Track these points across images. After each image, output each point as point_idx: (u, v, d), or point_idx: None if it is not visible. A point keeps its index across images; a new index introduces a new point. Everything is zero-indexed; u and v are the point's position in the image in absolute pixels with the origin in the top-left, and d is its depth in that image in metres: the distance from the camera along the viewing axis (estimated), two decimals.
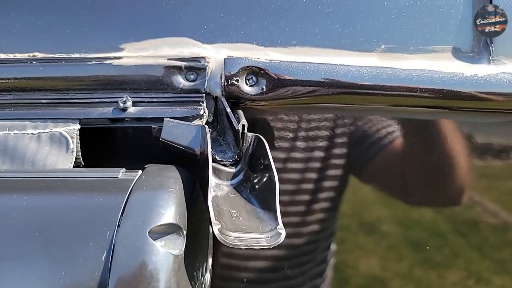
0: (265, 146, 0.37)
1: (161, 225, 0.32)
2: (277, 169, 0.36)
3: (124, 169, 0.37)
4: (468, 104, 0.41)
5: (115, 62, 0.41)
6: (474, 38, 0.42)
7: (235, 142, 0.40)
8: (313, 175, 0.44)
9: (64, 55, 0.42)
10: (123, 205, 0.32)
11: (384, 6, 0.42)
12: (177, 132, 0.39)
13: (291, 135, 0.43)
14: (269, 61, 0.40)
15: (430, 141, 0.44)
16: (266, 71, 0.40)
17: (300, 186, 0.44)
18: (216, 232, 0.31)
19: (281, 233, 0.34)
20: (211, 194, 0.33)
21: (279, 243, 0.33)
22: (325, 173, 0.44)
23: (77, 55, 0.42)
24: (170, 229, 0.32)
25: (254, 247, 0.32)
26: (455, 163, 0.44)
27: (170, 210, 0.33)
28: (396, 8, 0.42)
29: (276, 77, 0.40)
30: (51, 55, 0.42)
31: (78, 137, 0.40)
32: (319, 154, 0.43)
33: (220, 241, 0.32)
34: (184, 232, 0.33)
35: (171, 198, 0.34)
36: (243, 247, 0.33)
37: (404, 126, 0.43)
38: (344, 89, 0.40)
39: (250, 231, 0.34)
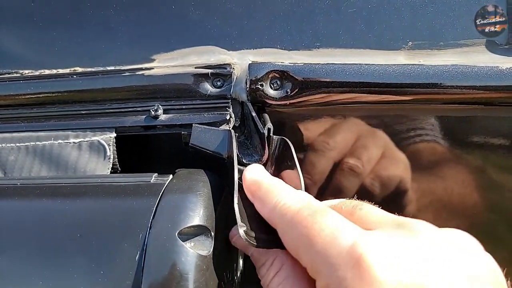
0: (290, 148, 0.38)
1: (189, 226, 0.33)
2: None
3: (156, 174, 0.39)
4: (505, 98, 0.39)
5: (147, 72, 0.43)
6: (509, 29, 0.40)
7: (261, 145, 0.41)
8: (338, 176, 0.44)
9: (101, 68, 0.45)
10: (154, 208, 0.34)
11: (410, 1, 0.41)
12: (205, 137, 0.40)
13: (317, 136, 0.43)
14: (292, 64, 0.41)
15: (464, 139, 0.42)
16: (290, 74, 0.40)
17: (325, 189, 0.44)
18: (242, 234, 0.32)
19: None
20: (236, 196, 0.34)
21: None
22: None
23: (112, 68, 0.45)
24: (199, 230, 0.34)
25: (281, 249, 0.33)
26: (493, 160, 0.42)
27: (198, 212, 0.34)
28: (423, 3, 0.41)
29: (300, 79, 0.40)
30: (89, 69, 0.45)
31: (115, 144, 0.43)
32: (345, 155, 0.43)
33: (246, 242, 0.33)
34: (212, 233, 0.34)
35: (199, 201, 0.35)
36: (269, 248, 0.33)
37: (435, 124, 0.42)
38: (371, 88, 0.40)
39: (275, 232, 0.35)
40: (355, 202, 0.31)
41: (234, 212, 0.34)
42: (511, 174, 0.44)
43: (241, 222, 0.33)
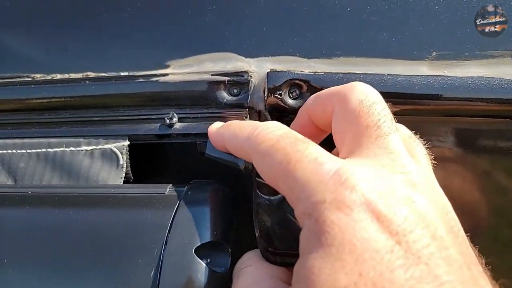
0: None
1: (206, 243, 0.32)
2: None
3: (170, 184, 0.38)
4: None
5: (161, 79, 0.42)
6: None
7: None
8: None
9: (114, 74, 0.44)
10: (170, 222, 0.33)
11: (435, 10, 0.40)
12: None
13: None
14: (312, 73, 0.39)
15: (487, 152, 0.41)
16: (310, 83, 0.39)
17: None
18: (262, 251, 0.31)
19: None
20: (256, 212, 0.33)
21: None
22: None
23: (126, 73, 0.43)
24: (216, 246, 0.33)
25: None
26: None
27: (215, 228, 0.33)
28: (448, 12, 0.40)
29: (320, 89, 0.39)
30: (102, 74, 0.44)
31: (128, 153, 0.42)
32: None
33: (266, 260, 0.31)
34: (229, 249, 0.33)
35: (216, 215, 0.34)
36: (290, 266, 0.32)
37: (459, 136, 0.41)
38: (392, 99, 0.38)
39: (296, 249, 0.34)
40: None
41: (253, 226, 0.33)
42: None
43: (260, 238, 0.32)
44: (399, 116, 0.39)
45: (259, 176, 0.37)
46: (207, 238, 0.32)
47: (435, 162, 0.33)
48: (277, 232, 0.35)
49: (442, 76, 0.39)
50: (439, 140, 0.41)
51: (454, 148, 0.42)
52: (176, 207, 0.34)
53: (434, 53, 0.40)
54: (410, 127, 0.41)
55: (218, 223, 0.33)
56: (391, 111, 0.31)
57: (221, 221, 0.34)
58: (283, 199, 0.38)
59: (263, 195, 0.37)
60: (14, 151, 0.43)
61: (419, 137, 0.35)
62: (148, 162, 0.48)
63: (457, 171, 0.42)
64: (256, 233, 0.33)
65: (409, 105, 0.39)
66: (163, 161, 0.50)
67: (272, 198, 0.38)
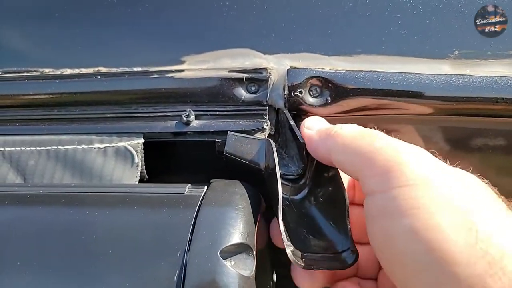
0: None
1: (231, 245, 0.31)
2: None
3: (189, 184, 0.37)
4: None
5: (177, 75, 0.41)
6: None
7: (299, 155, 0.39)
8: None
9: (127, 69, 0.42)
10: (192, 223, 0.32)
11: (458, 8, 0.39)
12: (241, 146, 0.38)
13: None
14: (334, 71, 0.39)
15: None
16: (331, 81, 0.38)
17: None
18: (289, 254, 0.30)
19: (354, 255, 0.32)
20: (281, 213, 0.32)
21: (353, 265, 0.32)
22: None
23: (139, 69, 0.42)
24: (240, 248, 0.32)
25: (329, 269, 0.31)
26: None
27: (239, 229, 0.32)
28: (470, 10, 0.39)
29: (341, 87, 0.38)
30: (115, 69, 0.42)
31: (143, 151, 0.40)
32: None
33: (294, 263, 0.31)
34: (254, 251, 0.32)
35: (239, 216, 0.33)
36: (317, 270, 0.31)
37: (481, 136, 0.40)
38: (414, 99, 0.38)
39: (321, 251, 0.33)
40: None
41: (280, 229, 0.32)
42: None
43: (288, 241, 0.31)
44: (423, 116, 0.39)
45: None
46: (232, 240, 0.31)
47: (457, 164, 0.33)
48: (301, 232, 0.35)
49: (465, 75, 0.38)
50: (461, 141, 0.40)
51: (474, 148, 0.41)
52: (197, 207, 0.33)
53: (456, 52, 0.39)
54: (434, 127, 0.40)
55: (242, 224, 0.32)
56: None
57: (245, 222, 0.33)
58: (305, 198, 0.38)
59: (284, 194, 0.36)
60: (23, 148, 0.41)
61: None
62: (159, 158, 0.47)
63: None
64: (281, 228, 0.32)
65: (431, 105, 0.38)
66: (175, 158, 0.48)
67: (294, 197, 0.37)
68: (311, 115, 0.40)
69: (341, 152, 0.33)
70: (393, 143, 0.31)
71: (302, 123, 0.38)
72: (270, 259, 0.48)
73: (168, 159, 0.47)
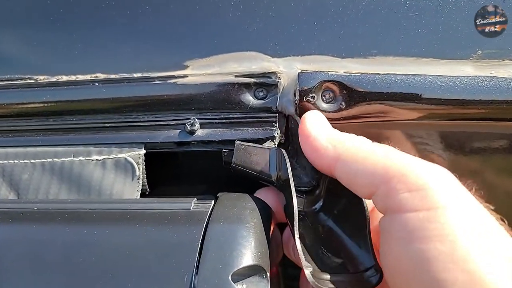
0: None
1: (243, 267, 0.28)
2: None
3: (195, 198, 0.34)
4: None
5: (179, 81, 0.38)
6: None
7: (311, 165, 0.36)
8: None
9: (126, 75, 0.40)
10: (199, 243, 0.30)
11: (480, 5, 0.37)
12: (250, 156, 0.36)
13: None
14: (348, 74, 0.36)
15: None
16: (346, 85, 0.36)
17: None
18: (309, 276, 0.28)
19: (378, 274, 0.29)
20: (297, 231, 0.30)
21: (377, 285, 0.29)
22: None
23: (139, 75, 0.39)
24: (253, 271, 0.29)
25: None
26: None
27: (251, 249, 0.29)
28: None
29: (357, 91, 0.36)
30: (113, 76, 0.40)
31: (144, 162, 0.38)
32: None
33: (314, 286, 0.28)
34: (268, 273, 0.30)
35: (250, 235, 0.30)
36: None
37: (508, 141, 0.38)
38: (436, 103, 0.35)
39: (342, 270, 0.30)
40: None
41: (296, 247, 0.30)
42: None
43: (306, 261, 0.29)
44: (443, 121, 0.37)
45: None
46: (244, 261, 0.28)
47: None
48: (318, 249, 0.32)
49: (490, 77, 0.35)
50: (486, 148, 0.38)
51: (505, 153, 0.39)
52: (204, 225, 0.31)
53: (480, 52, 0.37)
54: (455, 132, 0.38)
55: (254, 244, 0.30)
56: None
57: (257, 241, 0.30)
58: (320, 211, 0.35)
59: (299, 207, 0.34)
60: (16, 161, 0.39)
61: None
62: (161, 168, 0.44)
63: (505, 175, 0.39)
64: (298, 248, 0.30)
65: (454, 109, 0.35)
66: (178, 168, 0.46)
67: (308, 210, 0.34)
68: None
69: (355, 164, 0.30)
70: (411, 158, 0.29)
71: (306, 115, 0.35)
72: (282, 271, 0.46)
73: (171, 169, 0.44)
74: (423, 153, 0.39)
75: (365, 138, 0.33)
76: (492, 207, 0.38)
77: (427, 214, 0.26)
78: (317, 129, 0.34)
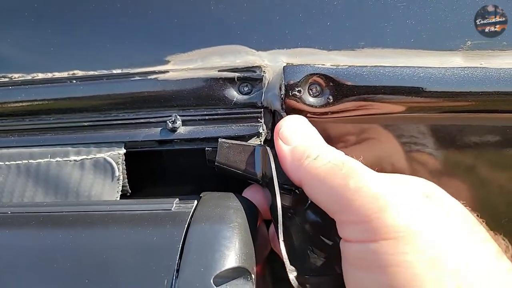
0: None
1: (226, 269, 0.27)
2: None
3: (177, 199, 0.32)
4: None
5: (160, 76, 0.37)
6: None
7: None
8: None
9: (105, 72, 0.38)
10: (180, 245, 0.28)
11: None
12: (234, 154, 0.34)
13: (363, 150, 0.37)
14: (335, 67, 0.35)
15: None
16: (334, 78, 0.34)
17: None
18: (293, 281, 0.26)
19: None
20: (281, 233, 0.28)
21: None
22: None
23: (119, 71, 0.38)
24: (237, 273, 0.28)
25: None
26: None
27: (235, 250, 0.28)
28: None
29: (345, 84, 0.34)
30: (92, 73, 0.38)
31: (124, 162, 0.36)
32: (395, 170, 0.37)
33: (296, 283, 0.27)
34: (253, 275, 0.28)
35: (234, 235, 0.29)
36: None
37: (500, 134, 0.36)
38: (425, 95, 0.34)
39: (328, 271, 0.29)
40: None
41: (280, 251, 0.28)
42: None
43: (290, 265, 0.27)
44: (434, 114, 0.35)
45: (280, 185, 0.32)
46: (227, 264, 0.27)
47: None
48: (305, 249, 0.31)
49: (480, 67, 0.34)
50: (478, 141, 0.37)
51: (493, 147, 0.38)
52: (186, 226, 0.29)
53: (469, 43, 0.35)
54: (448, 125, 0.37)
55: (238, 245, 0.28)
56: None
57: (242, 241, 0.29)
58: (307, 209, 0.34)
59: (284, 205, 0.32)
60: None
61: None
62: (142, 168, 0.42)
63: (496, 172, 0.38)
64: (282, 252, 0.28)
65: (445, 101, 0.34)
66: (159, 167, 0.44)
67: (295, 210, 0.33)
68: (311, 117, 0.36)
69: (313, 188, 0.30)
70: (370, 183, 0.28)
71: (278, 128, 0.33)
72: (269, 268, 0.44)
73: (152, 169, 0.43)
74: (413, 148, 0.38)
75: (332, 152, 0.32)
76: (484, 203, 0.37)
77: (367, 246, 0.26)
78: (283, 146, 0.32)
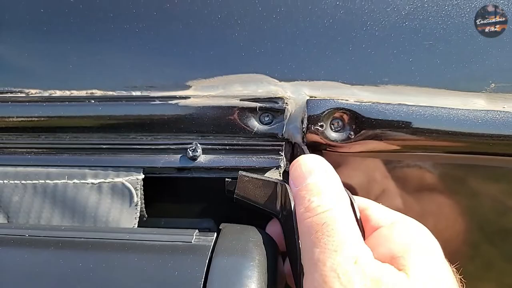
0: (353, 204, 0.32)
1: None
2: None
3: (196, 230, 0.33)
4: None
5: (181, 102, 0.36)
6: None
7: None
8: None
9: (125, 93, 0.38)
10: (202, 282, 0.28)
11: (495, 38, 0.36)
12: (254, 188, 0.34)
13: (383, 186, 0.37)
14: (359, 103, 0.35)
15: None
16: (357, 114, 0.34)
17: None
18: None
19: None
20: (303, 272, 0.28)
21: None
22: None
23: (139, 93, 0.37)
24: None
25: None
26: None
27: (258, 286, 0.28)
28: (509, 39, 0.36)
29: (368, 121, 0.35)
30: (111, 93, 0.38)
31: (142, 187, 0.36)
32: (415, 207, 0.38)
33: None
34: None
35: (255, 274, 0.29)
36: None
37: None
38: (447, 136, 0.34)
39: None
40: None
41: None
42: None
43: None
44: (453, 155, 0.36)
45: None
46: None
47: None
48: None
49: (504, 111, 0.35)
50: (500, 182, 0.37)
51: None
52: (207, 260, 0.29)
53: (493, 85, 0.36)
54: (466, 168, 0.37)
55: (259, 284, 0.29)
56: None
57: (263, 280, 0.29)
58: None
59: None
60: (5, 181, 0.37)
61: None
62: (158, 191, 0.42)
63: None
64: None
65: (465, 143, 0.35)
66: (176, 192, 0.44)
67: None
68: (331, 151, 0.36)
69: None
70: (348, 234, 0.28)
71: (290, 167, 0.33)
72: None
73: (168, 192, 0.42)
74: (426, 187, 0.39)
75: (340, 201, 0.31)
76: None
77: None
78: (293, 189, 0.32)
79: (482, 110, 0.35)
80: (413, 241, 0.29)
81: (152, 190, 0.39)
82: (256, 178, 0.34)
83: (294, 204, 0.32)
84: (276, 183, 0.34)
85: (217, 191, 0.37)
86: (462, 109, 0.35)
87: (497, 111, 0.35)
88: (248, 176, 0.34)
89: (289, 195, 0.32)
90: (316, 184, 0.31)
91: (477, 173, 0.38)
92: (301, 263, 0.29)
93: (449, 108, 0.35)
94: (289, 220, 0.31)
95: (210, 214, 0.42)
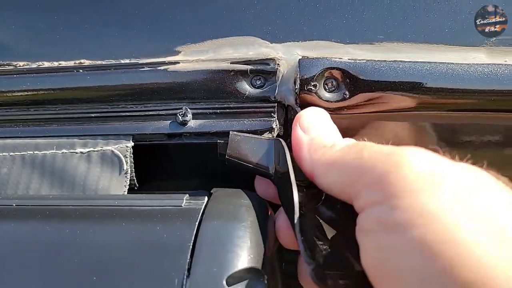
0: None
1: (239, 270, 0.26)
2: None
3: (187, 195, 0.31)
4: None
5: (171, 67, 0.35)
6: None
7: None
8: None
9: (113, 62, 0.37)
10: (191, 243, 0.27)
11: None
12: (246, 147, 0.33)
13: None
14: (353, 61, 0.33)
15: None
16: (351, 73, 0.33)
17: None
18: (311, 274, 0.25)
19: None
20: (298, 226, 0.27)
21: None
22: None
23: (127, 61, 0.37)
24: (249, 274, 0.27)
25: None
26: None
27: (248, 251, 0.27)
28: None
29: (362, 79, 0.33)
30: (99, 62, 0.37)
31: (132, 155, 0.35)
32: None
33: (317, 285, 0.26)
34: (265, 276, 0.27)
35: (247, 234, 0.28)
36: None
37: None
38: (447, 93, 0.33)
39: (344, 269, 0.28)
40: None
41: (297, 244, 0.27)
42: None
43: (309, 258, 0.26)
44: (452, 112, 0.34)
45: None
46: (240, 264, 0.26)
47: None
48: (320, 245, 0.30)
49: (504, 65, 0.33)
50: (499, 139, 0.36)
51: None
52: (197, 223, 0.28)
53: (493, 38, 0.34)
54: (462, 124, 0.35)
55: (251, 245, 0.27)
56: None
57: (254, 241, 0.28)
58: (322, 204, 0.33)
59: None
60: None
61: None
62: (150, 161, 0.41)
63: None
64: (300, 247, 0.27)
65: (465, 99, 0.33)
66: (167, 160, 0.43)
67: (309, 205, 0.32)
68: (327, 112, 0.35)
69: (326, 172, 0.29)
70: (383, 149, 0.26)
71: (298, 117, 0.32)
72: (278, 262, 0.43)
73: (160, 162, 0.41)
74: (429, 147, 0.37)
75: (347, 140, 0.31)
76: None
77: (386, 205, 0.24)
78: (302, 135, 0.31)
79: (483, 64, 0.33)
80: None
81: (145, 163, 0.38)
82: (248, 137, 0.33)
83: (291, 160, 0.31)
84: (270, 140, 0.32)
85: (210, 160, 0.36)
86: (462, 63, 0.33)
87: (499, 64, 0.33)
88: (239, 135, 0.33)
89: (285, 150, 0.31)
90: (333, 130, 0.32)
91: (482, 132, 0.36)
92: (296, 218, 0.28)
93: (449, 63, 0.33)
94: (284, 176, 0.30)
95: (204, 186, 0.41)
